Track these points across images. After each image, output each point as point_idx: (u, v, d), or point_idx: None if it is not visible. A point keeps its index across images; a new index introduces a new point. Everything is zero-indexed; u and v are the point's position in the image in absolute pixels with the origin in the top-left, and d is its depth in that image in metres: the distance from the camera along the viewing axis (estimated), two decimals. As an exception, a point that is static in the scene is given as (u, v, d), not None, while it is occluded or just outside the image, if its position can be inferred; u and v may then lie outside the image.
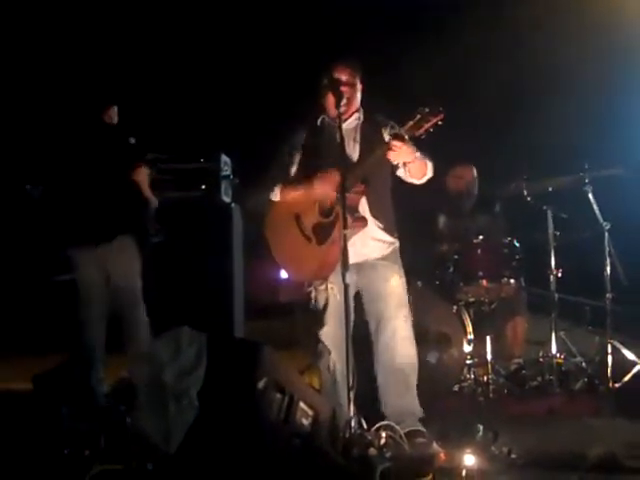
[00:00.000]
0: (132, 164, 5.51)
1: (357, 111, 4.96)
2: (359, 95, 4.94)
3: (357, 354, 4.45)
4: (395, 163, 4.73)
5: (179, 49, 8.78)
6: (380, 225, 4.89)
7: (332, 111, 4.84)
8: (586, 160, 6.12)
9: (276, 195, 4.95)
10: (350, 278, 4.44)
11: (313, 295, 4.94)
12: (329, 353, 4.83)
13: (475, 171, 6.93)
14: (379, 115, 4.96)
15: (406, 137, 4.51)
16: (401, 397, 4.81)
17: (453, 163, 6.96)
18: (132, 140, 5.66)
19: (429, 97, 4.54)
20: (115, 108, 5.70)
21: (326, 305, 4.87)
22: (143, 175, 5.57)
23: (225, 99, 8.98)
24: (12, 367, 6.44)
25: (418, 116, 4.43)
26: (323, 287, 4.84)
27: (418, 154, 4.68)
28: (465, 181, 6.88)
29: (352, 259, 4.50)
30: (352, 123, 4.94)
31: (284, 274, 8.43)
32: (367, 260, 4.83)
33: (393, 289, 4.90)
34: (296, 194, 4.87)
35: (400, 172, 4.92)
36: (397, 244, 5.00)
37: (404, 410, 4.76)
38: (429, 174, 4.89)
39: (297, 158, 4.98)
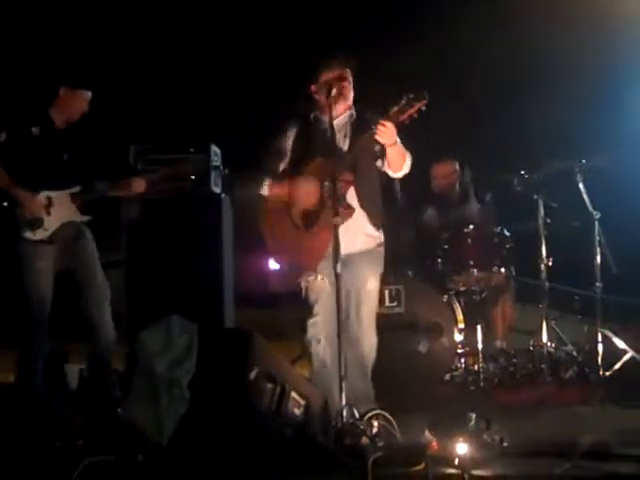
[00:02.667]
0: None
1: (349, 108, 4.97)
2: (351, 92, 4.94)
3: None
4: (382, 144, 4.71)
5: (168, 37, 8.75)
6: (369, 218, 4.92)
7: (324, 106, 4.85)
8: (577, 149, 6.13)
9: (265, 190, 4.97)
10: (340, 267, 4.46)
11: (304, 286, 4.96)
12: (318, 342, 4.85)
13: (457, 165, 6.94)
14: (368, 111, 4.96)
15: (391, 120, 4.55)
16: (363, 382, 4.87)
17: (440, 154, 6.98)
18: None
19: (414, 84, 4.55)
20: (86, 94, 5.47)
21: (318, 296, 4.89)
22: (141, 187, 5.57)
23: (214, 89, 8.95)
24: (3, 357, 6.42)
25: (403, 102, 4.51)
26: (313, 277, 4.86)
27: (399, 142, 4.72)
28: (445, 178, 6.90)
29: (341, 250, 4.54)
30: (343, 119, 4.96)
31: (273, 264, 8.47)
32: (351, 252, 4.82)
33: (368, 294, 4.97)
34: (284, 189, 4.89)
35: (378, 163, 4.94)
36: (382, 240, 5.04)
37: (364, 393, 4.81)
38: (406, 169, 4.92)
39: (287, 154, 5.00)
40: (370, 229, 4.95)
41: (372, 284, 4.97)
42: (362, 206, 4.86)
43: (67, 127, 5.47)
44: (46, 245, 5.31)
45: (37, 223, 5.27)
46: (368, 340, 4.95)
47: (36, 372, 5.31)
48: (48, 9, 8.10)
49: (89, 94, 5.47)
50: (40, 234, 5.28)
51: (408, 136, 4.79)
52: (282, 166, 5.00)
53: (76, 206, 5.41)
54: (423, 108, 4.48)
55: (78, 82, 5.44)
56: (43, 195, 5.31)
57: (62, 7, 8.11)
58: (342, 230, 4.55)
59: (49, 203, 5.32)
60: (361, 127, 4.85)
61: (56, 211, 5.34)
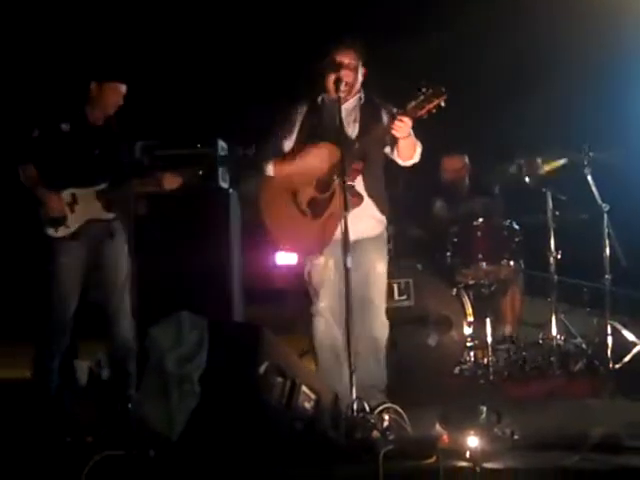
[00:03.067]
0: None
1: (358, 92, 4.98)
2: (360, 77, 4.95)
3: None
4: (396, 137, 4.71)
5: (174, 32, 8.74)
6: (375, 203, 4.94)
7: (332, 92, 4.85)
8: (585, 141, 6.12)
9: (270, 170, 4.98)
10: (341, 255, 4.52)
11: (307, 269, 4.98)
12: (330, 326, 4.90)
13: (466, 159, 6.96)
14: (377, 97, 4.97)
15: (409, 115, 4.55)
16: (373, 372, 4.87)
17: (450, 147, 6.99)
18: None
19: (430, 78, 4.54)
20: (119, 87, 5.43)
21: (322, 282, 4.91)
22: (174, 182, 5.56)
23: (223, 83, 8.94)
24: (12, 355, 6.44)
25: (421, 97, 4.49)
26: (318, 261, 4.88)
27: (412, 133, 4.74)
28: (455, 172, 6.92)
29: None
30: (352, 103, 4.96)
31: (280, 259, 8.48)
32: (360, 238, 4.83)
33: (378, 277, 4.99)
34: (290, 168, 4.91)
35: (387, 149, 4.95)
36: (385, 224, 5.07)
37: (378, 384, 4.86)
38: (416, 158, 4.93)
39: (294, 134, 5.00)
40: (377, 214, 4.98)
41: (381, 267, 5.00)
42: (369, 193, 4.89)
43: (104, 122, 5.47)
44: (69, 242, 5.31)
45: (60, 221, 5.28)
46: (380, 324, 4.96)
47: (52, 370, 5.33)
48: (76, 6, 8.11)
49: (123, 87, 5.43)
50: (62, 231, 5.29)
51: (419, 127, 4.79)
52: (289, 145, 5.00)
53: (102, 204, 5.40)
54: (442, 104, 4.47)
55: (108, 75, 5.42)
56: (68, 192, 5.32)
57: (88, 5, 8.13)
58: (349, 216, 4.55)
59: (73, 200, 5.33)
60: (370, 112, 4.89)
61: (81, 208, 5.34)
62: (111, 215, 5.46)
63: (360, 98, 4.99)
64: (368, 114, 4.91)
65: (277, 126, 5.06)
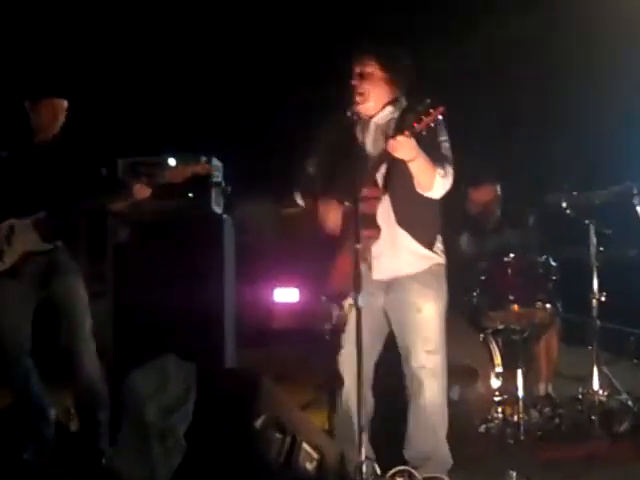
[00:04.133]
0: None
1: (391, 103, 4.96)
2: (387, 86, 4.91)
3: (380, 384, 4.45)
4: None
5: (165, 41, 8.84)
6: (412, 235, 4.86)
7: (357, 107, 4.85)
8: (634, 170, 6.14)
9: (299, 199, 5.06)
10: (378, 298, 4.46)
11: (335, 314, 4.94)
12: (342, 382, 4.86)
13: (497, 188, 6.98)
14: (411, 110, 4.92)
15: (406, 132, 4.51)
16: (426, 442, 4.82)
17: (477, 175, 7.01)
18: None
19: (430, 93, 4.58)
20: (55, 103, 5.57)
21: (344, 328, 4.89)
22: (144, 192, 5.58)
23: (217, 97, 9.02)
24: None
25: (418, 109, 4.50)
26: (344, 304, 4.83)
27: (423, 155, 4.65)
28: (484, 205, 6.95)
29: (378, 275, 4.66)
30: (384, 118, 4.92)
31: (278, 296, 8.48)
32: (397, 277, 4.84)
33: (425, 320, 4.87)
34: (314, 201, 4.93)
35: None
36: (438, 261, 4.96)
37: (427, 454, 4.78)
38: (437, 189, 4.81)
39: (319, 155, 5.02)
40: (417, 247, 4.88)
41: (428, 309, 4.86)
42: (400, 222, 4.83)
43: (52, 142, 5.56)
44: (7, 279, 5.38)
45: None
46: (430, 386, 4.84)
47: (31, 386, 5.41)
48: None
49: (61, 103, 5.57)
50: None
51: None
52: (312, 170, 5.02)
53: (39, 234, 5.42)
54: (439, 117, 4.47)
55: (39, 92, 5.53)
56: (6, 224, 5.41)
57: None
58: (383, 251, 4.57)
59: (11, 231, 5.40)
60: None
61: (17, 240, 5.40)
62: (49, 246, 5.47)
63: (394, 111, 4.93)
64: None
65: (305, 151, 5.09)
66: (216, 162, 6.68)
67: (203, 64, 8.97)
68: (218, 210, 6.65)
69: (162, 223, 6.47)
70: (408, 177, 4.76)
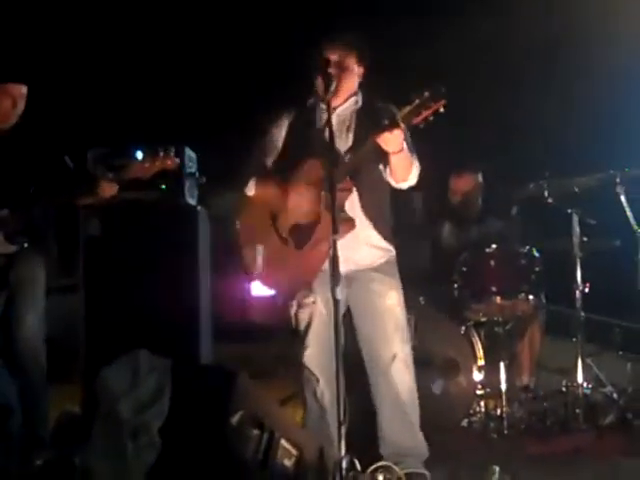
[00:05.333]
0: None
1: (354, 95, 4.99)
2: (355, 78, 4.97)
3: (348, 382, 4.46)
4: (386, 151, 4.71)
5: (134, 27, 8.80)
6: (376, 228, 4.92)
7: (321, 95, 4.86)
8: (618, 157, 6.15)
9: (250, 189, 4.99)
10: (340, 292, 4.44)
11: (294, 311, 4.97)
12: (317, 381, 4.86)
13: (479, 177, 6.99)
14: (380, 101, 4.96)
15: (401, 124, 4.49)
16: (402, 435, 4.84)
17: (459, 164, 7.03)
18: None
19: (432, 81, 4.53)
20: (10, 89, 5.37)
21: (309, 323, 4.91)
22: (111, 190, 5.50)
23: (190, 84, 8.99)
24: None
25: (417, 101, 4.40)
26: (308, 300, 4.86)
27: (406, 148, 4.70)
28: (466, 194, 6.96)
29: (340, 267, 4.55)
30: (347, 109, 4.97)
31: (256, 289, 8.46)
32: (358, 270, 4.86)
33: (390, 308, 4.95)
34: (273, 189, 4.91)
35: (380, 167, 4.92)
36: (394, 253, 5.05)
37: (405, 450, 4.79)
38: (412, 180, 4.89)
39: (278, 147, 5.02)
40: (377, 239, 4.95)
41: (392, 298, 4.95)
42: (366, 214, 4.87)
43: (9, 132, 5.43)
44: None
45: None
46: (404, 379, 4.91)
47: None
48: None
49: (17, 88, 5.40)
50: None
51: (421, 141, 4.80)
52: (271, 160, 5.02)
53: (2, 234, 5.30)
54: (441, 109, 4.38)
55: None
56: None
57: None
58: (344, 244, 4.52)
59: None
60: (369, 119, 4.83)
61: None
62: (12, 248, 5.37)
63: (357, 102, 5.01)
64: (365, 121, 4.87)
65: (260, 138, 5.08)
66: (190, 153, 6.67)
67: (179, 52, 8.94)
68: (192, 201, 6.63)
69: (134, 215, 6.46)
70: (373, 169, 4.84)
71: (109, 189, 5.42)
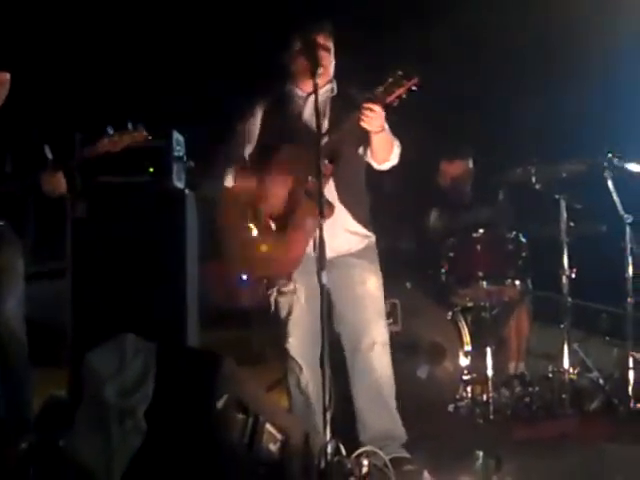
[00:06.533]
0: None
1: (330, 82, 5.00)
2: (332, 63, 4.98)
3: (332, 368, 4.47)
4: (366, 131, 4.70)
5: (120, 13, 8.78)
6: (352, 214, 4.94)
7: (305, 80, 4.87)
8: (606, 143, 6.15)
9: (229, 180, 4.99)
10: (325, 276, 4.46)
11: (274, 299, 4.98)
12: (300, 369, 4.87)
13: (470, 163, 7.00)
14: (354, 88, 4.98)
15: (377, 102, 4.53)
16: (381, 419, 4.87)
17: (449, 150, 7.04)
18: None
19: (406, 63, 4.58)
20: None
21: (290, 311, 4.92)
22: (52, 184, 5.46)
23: (178, 67, 8.97)
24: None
25: (390, 80, 4.49)
26: (288, 288, 4.87)
27: (387, 128, 4.74)
28: (456, 179, 6.97)
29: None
30: (323, 95, 4.92)
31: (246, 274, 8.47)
32: (338, 256, 4.85)
33: (371, 293, 4.97)
34: (252, 179, 4.91)
35: (361, 150, 4.94)
36: (373, 239, 5.06)
37: (385, 434, 4.82)
38: (393, 160, 4.93)
39: (255, 136, 5.02)
40: (354, 225, 4.95)
41: (373, 283, 4.97)
42: (342, 200, 4.86)
43: None
44: None
45: None
46: (383, 364, 4.93)
47: None
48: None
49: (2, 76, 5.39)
50: None
51: (411, 127, 4.81)
52: (249, 151, 5.02)
53: None
54: (414, 88, 4.47)
55: None
56: None
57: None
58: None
59: None
60: (343, 106, 4.85)
61: None
62: None
63: (332, 89, 5.01)
64: (340, 107, 4.88)
65: (236, 128, 5.08)
66: (177, 136, 6.66)
67: (167, 36, 8.92)
68: (180, 185, 6.62)
69: (122, 199, 6.45)
70: (350, 155, 4.85)
71: (53, 184, 5.35)
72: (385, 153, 4.87)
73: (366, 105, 4.54)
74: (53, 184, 5.27)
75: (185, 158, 6.69)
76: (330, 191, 4.80)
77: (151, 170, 6.34)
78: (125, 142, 5.26)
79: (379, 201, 5.17)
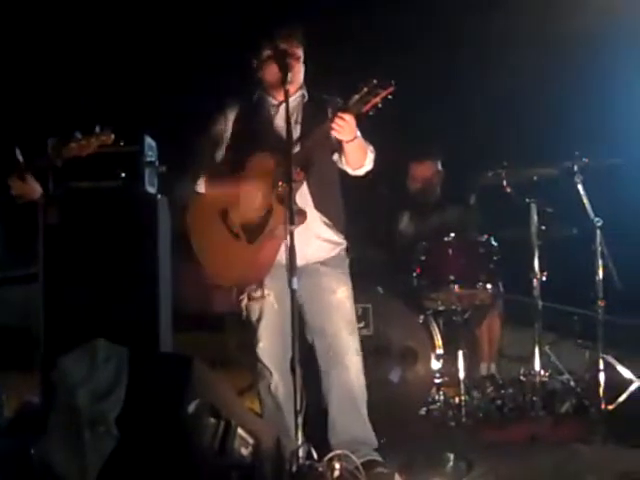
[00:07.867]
0: None
1: (300, 88, 5.01)
2: (301, 70, 4.97)
3: (303, 372, 4.48)
4: (339, 140, 4.71)
5: (94, 17, 8.76)
6: (326, 221, 4.95)
7: (274, 87, 4.88)
8: (576, 147, 6.19)
9: (201, 186, 5.00)
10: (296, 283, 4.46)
11: (244, 304, 4.99)
12: (270, 373, 4.88)
13: (438, 165, 7.03)
14: (324, 94, 5.00)
15: (352, 111, 4.54)
16: (353, 425, 4.88)
17: (419, 151, 7.06)
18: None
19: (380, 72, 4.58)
20: None
21: (260, 316, 4.93)
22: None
23: (149, 71, 8.95)
24: None
25: (365, 89, 4.48)
26: (258, 294, 4.88)
27: (359, 135, 4.74)
28: (425, 181, 6.98)
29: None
30: (294, 102, 4.95)
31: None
32: (308, 264, 4.85)
33: (341, 302, 4.97)
34: (223, 186, 4.92)
35: (335, 157, 4.94)
36: (344, 246, 5.07)
37: (356, 439, 4.83)
38: (368, 165, 4.93)
39: (225, 142, 5.02)
40: (327, 233, 4.96)
41: (343, 292, 4.97)
42: (316, 206, 4.87)
43: None
44: None
45: None
46: (354, 371, 4.93)
47: None
48: None
49: None
50: None
51: (380, 130, 4.82)
52: (220, 156, 5.02)
53: None
54: (389, 97, 4.46)
55: None
56: None
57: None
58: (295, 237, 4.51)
59: None
60: (315, 112, 4.88)
61: None
62: None
63: (303, 96, 5.02)
64: (312, 114, 4.90)
65: (207, 135, 5.08)
66: (150, 141, 6.65)
67: (138, 41, 8.90)
68: (152, 190, 6.61)
69: (94, 204, 6.43)
70: (323, 161, 4.85)
71: (24, 189, 5.33)
72: (359, 159, 4.87)
73: (338, 115, 4.55)
74: (23, 188, 5.26)
75: (157, 163, 6.68)
76: (304, 198, 4.82)
77: (123, 175, 6.33)
78: (94, 145, 5.24)
79: (349, 205, 5.17)
